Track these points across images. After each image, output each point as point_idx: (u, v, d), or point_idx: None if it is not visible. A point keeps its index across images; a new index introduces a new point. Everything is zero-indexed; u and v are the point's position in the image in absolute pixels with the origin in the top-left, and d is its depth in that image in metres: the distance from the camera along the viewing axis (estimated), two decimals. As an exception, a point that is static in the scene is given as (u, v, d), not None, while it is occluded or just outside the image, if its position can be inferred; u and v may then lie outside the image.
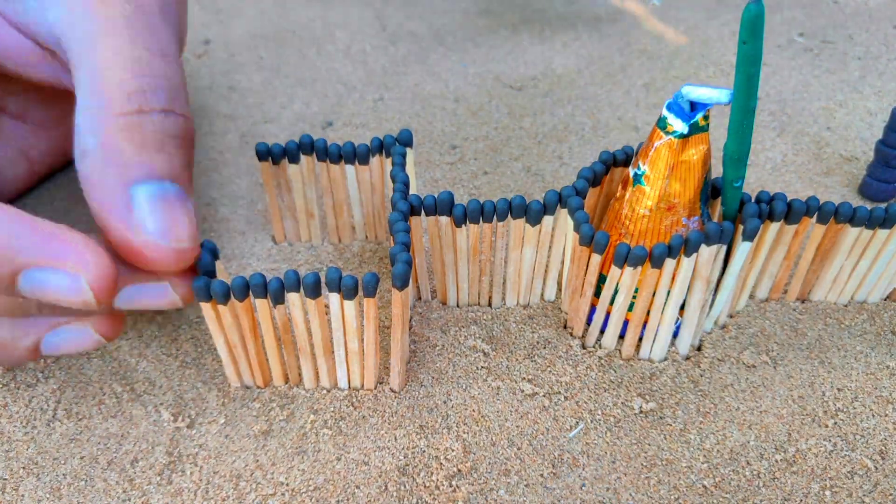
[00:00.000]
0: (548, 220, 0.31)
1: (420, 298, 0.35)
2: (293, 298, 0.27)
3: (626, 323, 0.32)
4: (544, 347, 0.33)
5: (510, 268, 0.33)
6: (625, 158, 0.32)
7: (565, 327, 0.34)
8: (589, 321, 0.33)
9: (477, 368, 0.32)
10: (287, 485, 0.28)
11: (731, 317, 0.35)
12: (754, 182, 0.43)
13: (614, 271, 0.30)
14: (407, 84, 0.52)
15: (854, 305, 0.35)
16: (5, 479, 0.28)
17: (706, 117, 0.28)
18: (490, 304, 0.35)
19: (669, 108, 0.28)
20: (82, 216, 0.39)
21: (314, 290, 0.27)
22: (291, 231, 0.38)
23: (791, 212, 0.31)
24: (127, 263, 0.26)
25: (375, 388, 0.31)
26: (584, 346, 0.33)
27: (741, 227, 0.30)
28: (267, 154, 0.35)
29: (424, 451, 0.29)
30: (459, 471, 0.28)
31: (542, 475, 0.29)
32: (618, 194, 0.31)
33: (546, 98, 0.51)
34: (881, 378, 0.32)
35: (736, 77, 0.26)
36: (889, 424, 0.30)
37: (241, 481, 0.28)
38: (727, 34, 0.58)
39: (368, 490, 0.28)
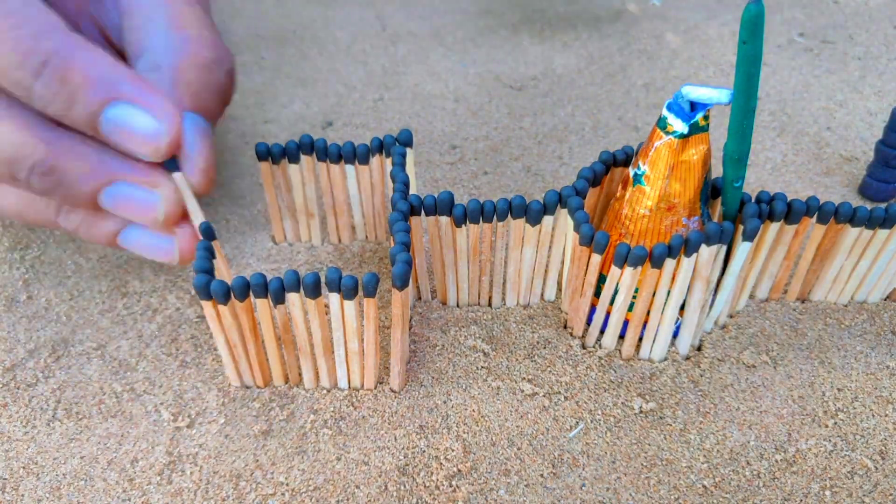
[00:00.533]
0: (548, 220, 0.31)
1: (420, 298, 0.35)
2: (293, 298, 0.27)
3: (626, 323, 0.32)
4: (544, 347, 0.33)
5: (510, 268, 0.33)
6: (625, 158, 0.32)
7: (565, 327, 0.34)
8: (589, 321, 0.33)
9: (477, 368, 0.32)
10: (287, 485, 0.28)
11: (731, 317, 0.35)
12: (754, 182, 0.43)
13: (614, 271, 0.30)
14: (407, 84, 0.52)
15: (854, 305, 0.35)
16: (5, 479, 0.28)
17: (706, 117, 0.28)
18: (490, 304, 0.35)
19: (669, 108, 0.28)
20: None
21: (314, 290, 0.27)
22: (291, 231, 0.38)
23: (791, 212, 0.31)
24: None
25: (375, 388, 0.31)
26: (584, 346, 0.33)
27: (741, 227, 0.30)
28: (267, 154, 0.35)
29: (424, 451, 0.29)
30: (459, 471, 0.28)
31: (542, 475, 0.29)
32: (618, 194, 0.31)
33: (546, 98, 0.51)
34: (881, 378, 0.32)
35: (736, 77, 0.26)
36: (889, 424, 0.30)
37: (241, 481, 0.28)
38: (727, 34, 0.58)
39: (368, 490, 0.28)
